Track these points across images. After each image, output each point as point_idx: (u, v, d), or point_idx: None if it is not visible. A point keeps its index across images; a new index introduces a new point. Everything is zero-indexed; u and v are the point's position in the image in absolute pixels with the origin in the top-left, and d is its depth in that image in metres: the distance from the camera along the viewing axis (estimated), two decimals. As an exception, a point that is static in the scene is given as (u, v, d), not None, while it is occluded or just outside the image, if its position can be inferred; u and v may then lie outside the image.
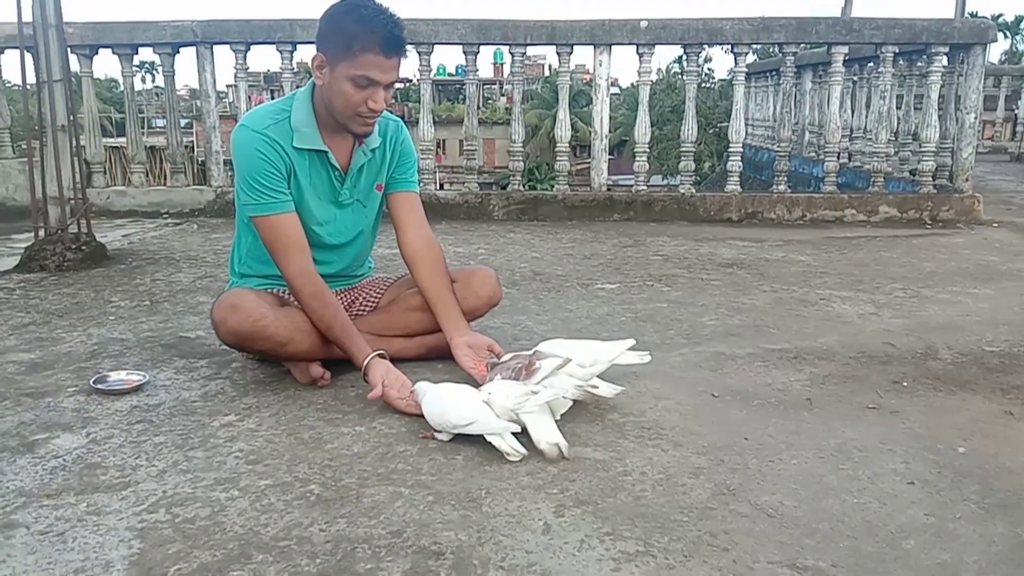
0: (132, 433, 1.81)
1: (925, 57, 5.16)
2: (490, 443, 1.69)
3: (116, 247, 4.03)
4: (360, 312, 2.35)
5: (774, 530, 1.40)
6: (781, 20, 4.91)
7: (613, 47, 5.04)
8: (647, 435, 1.80)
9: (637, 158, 5.19)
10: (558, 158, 5.27)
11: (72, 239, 3.55)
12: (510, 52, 5.08)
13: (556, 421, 1.76)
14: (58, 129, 3.44)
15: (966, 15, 14.40)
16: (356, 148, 2.17)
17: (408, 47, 5.01)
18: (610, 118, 5.26)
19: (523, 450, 1.67)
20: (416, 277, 2.25)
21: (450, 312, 2.19)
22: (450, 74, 44.13)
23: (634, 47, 5.03)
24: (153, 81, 41.17)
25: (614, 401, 1.96)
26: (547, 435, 1.70)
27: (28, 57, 3.47)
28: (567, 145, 5.23)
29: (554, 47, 5.05)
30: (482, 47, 5.11)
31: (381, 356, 1.98)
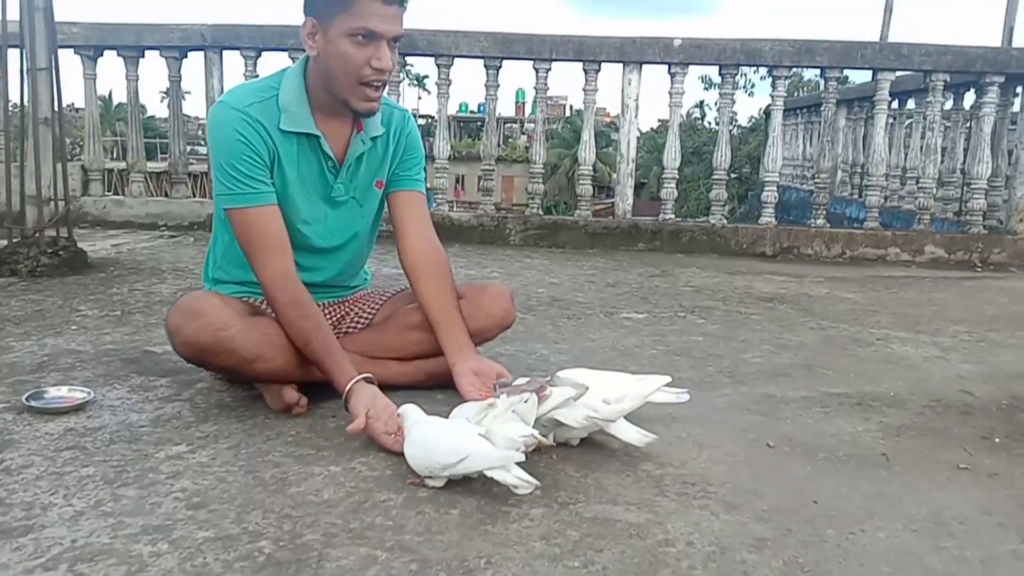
0: (56, 462, 1.47)
1: (976, 88, 4.82)
2: (493, 488, 1.34)
3: (101, 256, 3.73)
4: (350, 330, 2.01)
5: (874, 635, 1.04)
6: (824, 43, 4.60)
7: (644, 66, 4.75)
8: (692, 492, 1.44)
9: (665, 185, 4.87)
10: (580, 182, 4.96)
11: (49, 243, 3.25)
12: (534, 67, 4.79)
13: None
14: (40, 122, 3.16)
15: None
16: (354, 136, 1.85)
17: (428, 57, 4.80)
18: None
19: (534, 480, 1.33)
20: (416, 289, 1.91)
21: (454, 332, 1.84)
22: (472, 111, 44.35)
23: (666, 67, 4.74)
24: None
25: (648, 447, 1.60)
26: (515, 432, 1.40)
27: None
28: (590, 168, 4.92)
29: (581, 63, 4.76)
30: (505, 62, 4.83)
31: (368, 380, 1.64)
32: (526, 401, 1.49)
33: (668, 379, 1.68)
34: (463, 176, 33.75)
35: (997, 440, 1.80)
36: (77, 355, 2.16)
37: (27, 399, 1.73)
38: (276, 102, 1.78)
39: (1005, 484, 1.56)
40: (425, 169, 2.09)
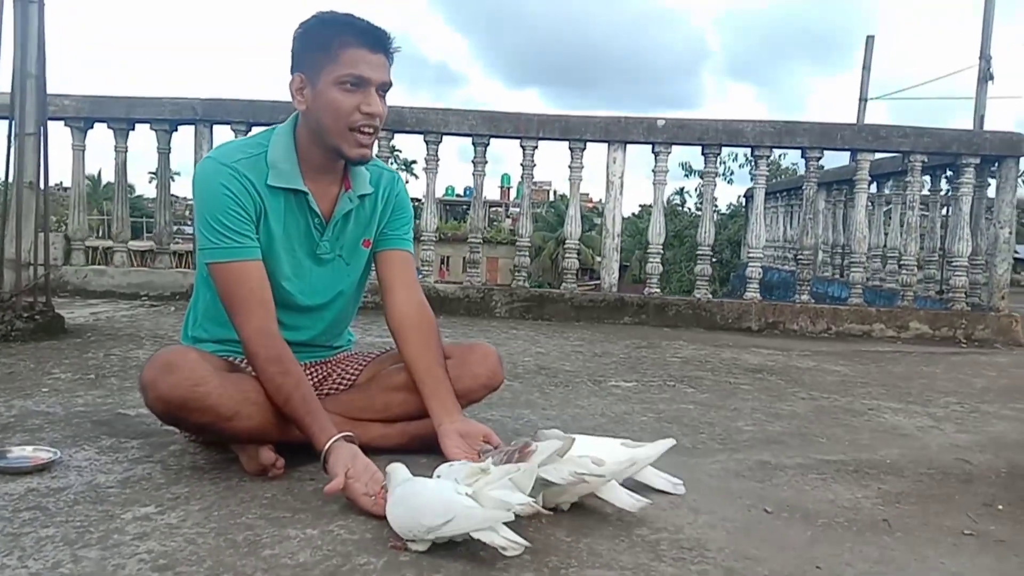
0: (15, 522, 1.38)
1: (952, 170, 4.94)
2: (480, 552, 1.27)
3: (79, 322, 3.65)
4: (332, 391, 1.94)
5: None
6: (804, 124, 4.72)
7: (628, 145, 4.84)
8: (689, 558, 1.37)
9: (650, 259, 4.89)
10: (566, 255, 4.97)
11: (26, 307, 3.18)
12: (521, 145, 4.87)
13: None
14: (25, 186, 3.14)
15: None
16: (342, 194, 1.84)
17: (417, 134, 4.86)
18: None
19: (523, 541, 1.25)
20: (402, 348, 1.86)
21: (440, 393, 1.78)
22: (458, 195, 45.11)
23: (650, 146, 4.83)
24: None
25: (642, 513, 1.54)
26: (512, 499, 1.31)
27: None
28: (576, 242, 4.94)
29: (567, 142, 4.84)
30: (492, 139, 4.90)
31: (348, 440, 1.58)
32: (516, 459, 1.43)
33: (673, 442, 1.63)
34: (448, 257, 33.99)
35: (1000, 507, 1.75)
36: (46, 416, 2.07)
37: (-11, 458, 1.64)
38: (264, 159, 1.76)
39: (1015, 551, 1.50)
40: (414, 232, 2.07)
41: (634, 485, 1.60)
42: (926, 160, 4.74)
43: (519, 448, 1.46)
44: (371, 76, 1.66)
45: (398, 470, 1.44)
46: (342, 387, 1.95)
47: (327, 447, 1.54)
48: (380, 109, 1.69)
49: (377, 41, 1.67)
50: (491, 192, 50.34)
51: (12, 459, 1.67)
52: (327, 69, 1.65)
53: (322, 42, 1.66)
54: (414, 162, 39.44)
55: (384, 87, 1.70)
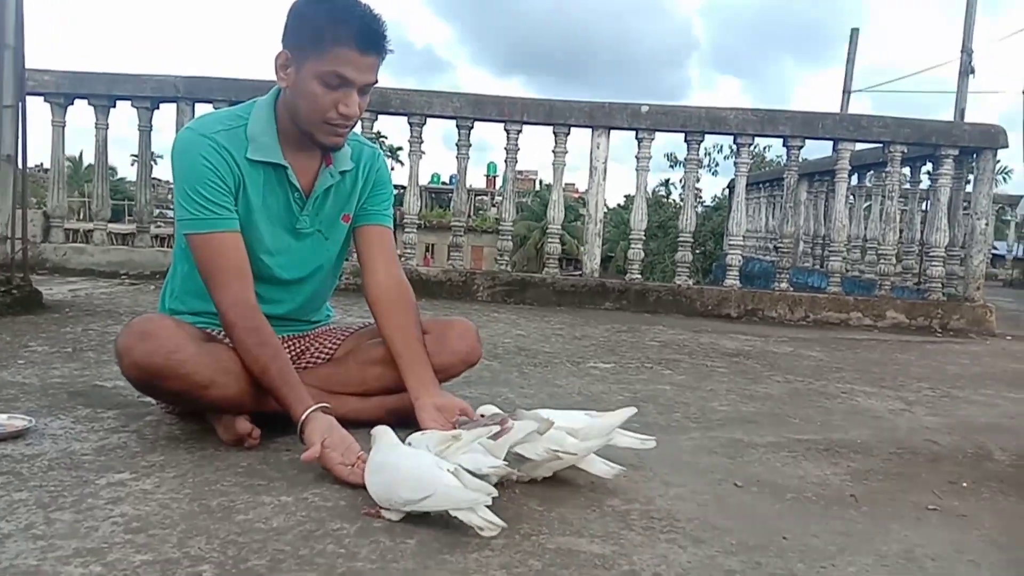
0: (-13, 487, 1.38)
1: (932, 162, 4.99)
2: (454, 523, 1.28)
3: (57, 299, 3.63)
4: (310, 364, 1.95)
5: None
6: (787, 113, 4.75)
7: (612, 131, 4.85)
8: (658, 527, 1.40)
9: (632, 245, 4.91)
10: (548, 240, 4.98)
11: (3, 282, 3.16)
12: (505, 129, 4.87)
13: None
14: (2, 159, 3.11)
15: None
16: (323, 169, 1.84)
17: (401, 115, 4.84)
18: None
19: (501, 523, 1.26)
20: (381, 324, 1.87)
21: (417, 367, 1.79)
22: (443, 182, 44.91)
23: (633, 132, 4.84)
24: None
25: (613, 484, 1.56)
26: (483, 463, 1.35)
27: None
28: (559, 227, 4.95)
29: (551, 127, 4.84)
30: (477, 123, 4.89)
31: (325, 410, 1.58)
32: (493, 436, 1.44)
33: (634, 410, 1.65)
34: (432, 245, 33.88)
35: (964, 484, 1.79)
36: (21, 387, 2.06)
37: (-38, 426, 1.64)
38: (244, 131, 1.76)
39: (975, 525, 1.54)
40: (394, 207, 2.07)
41: (605, 451, 1.60)
42: (906, 151, 4.78)
43: (499, 422, 1.47)
44: (355, 78, 1.63)
45: (385, 434, 1.45)
46: (320, 361, 1.96)
47: (304, 417, 1.54)
48: (357, 111, 1.68)
49: (371, 43, 1.63)
50: (477, 180, 50.19)
51: (-14, 426, 1.67)
52: (313, 59, 1.62)
53: (315, 31, 1.61)
54: (400, 148, 39.22)
55: (368, 87, 1.69)
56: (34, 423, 1.70)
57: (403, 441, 1.49)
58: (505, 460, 1.44)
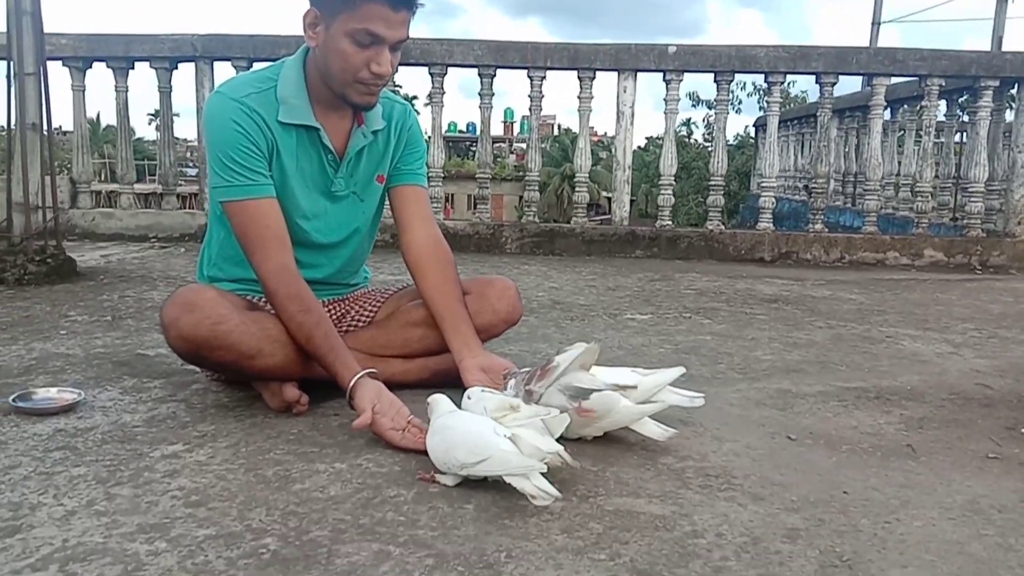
0: (46, 462, 1.39)
1: (970, 94, 4.82)
2: (510, 488, 1.27)
3: (90, 265, 3.65)
4: (352, 328, 1.94)
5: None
6: (820, 48, 4.59)
7: (639, 73, 4.72)
8: (715, 485, 1.38)
9: (662, 191, 4.83)
10: (577, 189, 4.91)
11: (37, 251, 3.17)
12: (528, 76, 4.76)
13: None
14: (28, 128, 3.09)
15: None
16: (355, 129, 1.79)
17: (422, 66, 4.74)
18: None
19: (555, 492, 1.24)
20: (420, 285, 1.85)
21: (460, 328, 1.78)
22: (460, 131, 44.44)
23: (661, 74, 4.72)
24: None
25: (665, 441, 1.54)
26: (543, 444, 1.31)
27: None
28: (586, 175, 4.87)
29: (576, 72, 4.73)
30: (499, 70, 4.79)
31: (372, 376, 1.57)
32: (550, 413, 1.41)
33: (683, 370, 1.62)
34: (452, 195, 33.69)
35: (1023, 431, 1.75)
36: (66, 358, 2.08)
37: (14, 400, 1.65)
38: (274, 93, 1.72)
39: (1038, 473, 1.50)
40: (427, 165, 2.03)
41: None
42: (943, 84, 4.62)
43: (541, 367, 1.45)
44: (387, 35, 1.58)
45: (441, 402, 1.44)
46: (361, 324, 1.95)
47: (352, 383, 1.53)
48: (389, 69, 1.62)
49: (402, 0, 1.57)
50: (495, 127, 49.57)
51: (38, 400, 1.68)
52: (344, 16, 1.56)
53: None
54: (415, 97, 38.75)
55: (400, 43, 1.63)
56: (83, 396, 1.71)
57: (460, 399, 1.49)
58: (562, 393, 1.44)
